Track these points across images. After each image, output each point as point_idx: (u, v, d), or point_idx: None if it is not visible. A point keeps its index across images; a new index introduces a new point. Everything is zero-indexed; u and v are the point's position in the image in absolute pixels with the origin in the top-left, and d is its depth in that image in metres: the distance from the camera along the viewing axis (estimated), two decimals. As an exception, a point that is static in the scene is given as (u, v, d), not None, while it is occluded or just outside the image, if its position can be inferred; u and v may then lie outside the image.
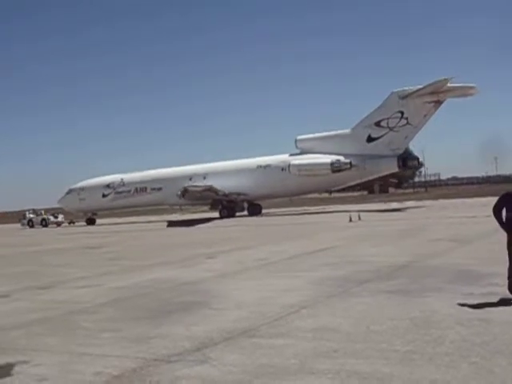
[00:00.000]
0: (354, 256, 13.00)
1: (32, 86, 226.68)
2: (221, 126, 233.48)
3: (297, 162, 44.53)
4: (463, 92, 41.21)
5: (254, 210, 48.00)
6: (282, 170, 44.91)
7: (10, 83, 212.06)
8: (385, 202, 56.48)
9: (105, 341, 6.30)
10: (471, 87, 40.50)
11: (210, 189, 44.76)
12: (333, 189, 54.51)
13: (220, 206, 46.81)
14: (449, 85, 39.57)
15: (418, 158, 45.40)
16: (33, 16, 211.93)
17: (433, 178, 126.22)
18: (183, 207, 53.05)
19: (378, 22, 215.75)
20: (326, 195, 79.23)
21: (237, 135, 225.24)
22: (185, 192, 45.30)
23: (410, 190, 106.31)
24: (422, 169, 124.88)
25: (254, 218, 41.28)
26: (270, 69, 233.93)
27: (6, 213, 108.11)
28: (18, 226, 61.30)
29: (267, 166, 46.11)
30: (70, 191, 55.28)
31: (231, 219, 41.51)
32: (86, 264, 15.57)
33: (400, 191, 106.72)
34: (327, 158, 43.29)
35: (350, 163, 42.53)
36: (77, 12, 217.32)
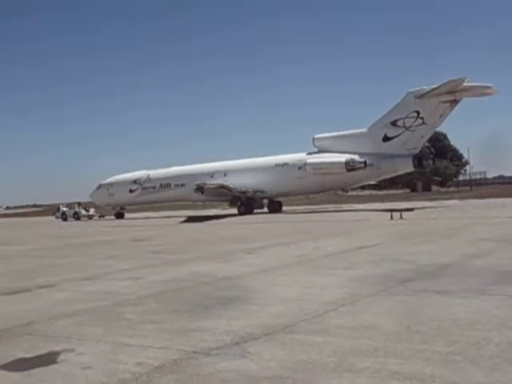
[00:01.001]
0: (395, 254, 12.82)
1: (52, 82, 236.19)
2: (242, 124, 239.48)
3: (312, 160, 45.31)
4: (480, 91, 41.23)
5: (274, 207, 49.41)
6: (299, 168, 45.66)
7: (23, 81, 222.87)
8: (430, 199, 55.49)
9: (146, 332, 6.42)
10: (487, 87, 40.28)
11: (223, 186, 46.33)
12: (349, 187, 55.37)
13: (238, 203, 48.08)
14: (465, 84, 39.51)
15: (433, 158, 45.87)
16: (34, 16, 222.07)
17: (478, 177, 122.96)
18: (205, 203, 54.99)
19: (396, 24, 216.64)
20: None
21: (258, 133, 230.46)
22: (200, 189, 47.22)
23: (454, 189, 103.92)
24: (467, 167, 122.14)
25: (287, 215, 41.43)
26: (291, 68, 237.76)
27: (43, 205, 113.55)
28: (52, 218, 64.71)
29: (285, 165, 47.07)
30: (99, 186, 57.91)
31: (266, 215, 42.00)
32: (130, 256, 15.89)
33: (443, 189, 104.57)
34: (342, 157, 43.76)
35: (365, 162, 42.92)
36: (77, 12, 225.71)
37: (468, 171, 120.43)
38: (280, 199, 50.82)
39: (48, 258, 16.93)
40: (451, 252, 12.79)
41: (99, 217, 63.70)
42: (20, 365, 5.39)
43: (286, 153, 49.56)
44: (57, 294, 9.81)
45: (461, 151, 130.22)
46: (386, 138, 43.05)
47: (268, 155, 50.69)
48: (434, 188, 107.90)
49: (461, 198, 56.91)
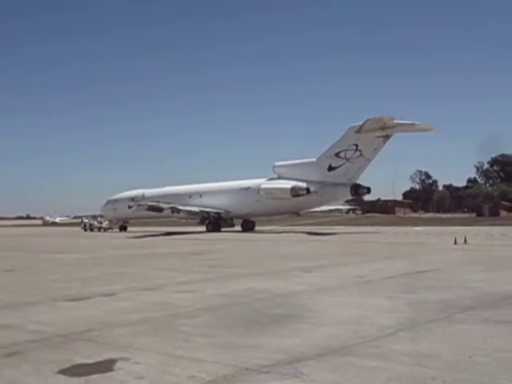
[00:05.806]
0: (458, 280, 12.36)
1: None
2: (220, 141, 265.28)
3: (265, 186, 51.15)
4: (411, 128, 45.19)
5: (247, 226, 55.64)
6: (258, 192, 51.14)
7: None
8: (492, 225, 53.38)
9: (200, 346, 6.47)
10: (413, 124, 44.42)
11: (173, 207, 54.18)
12: (299, 212, 58.12)
13: (207, 221, 54.57)
14: (395, 121, 43.83)
15: (367, 188, 49.01)
16: (38, 18, 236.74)
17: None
18: (183, 220, 63.06)
19: (372, 43, 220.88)
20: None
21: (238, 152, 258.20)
22: (153, 208, 54.90)
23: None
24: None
25: (345, 236, 40.83)
26: (267, 88, 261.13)
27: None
28: (79, 228, 76.08)
29: (248, 188, 52.94)
30: (107, 202, 66.15)
31: (326, 236, 41.57)
32: (187, 270, 16.12)
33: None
34: (289, 184, 48.84)
35: (307, 189, 47.80)
36: (86, 16, 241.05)
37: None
38: (253, 219, 56.68)
39: (108, 267, 17.43)
40: (518, 281, 12.19)
41: (106, 229, 72.17)
42: (78, 370, 5.55)
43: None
44: (117, 302, 10.06)
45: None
46: (330, 168, 47.94)
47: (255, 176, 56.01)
48: (503, 213, 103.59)
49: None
